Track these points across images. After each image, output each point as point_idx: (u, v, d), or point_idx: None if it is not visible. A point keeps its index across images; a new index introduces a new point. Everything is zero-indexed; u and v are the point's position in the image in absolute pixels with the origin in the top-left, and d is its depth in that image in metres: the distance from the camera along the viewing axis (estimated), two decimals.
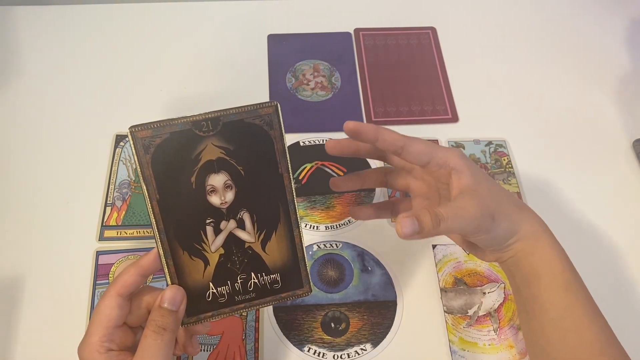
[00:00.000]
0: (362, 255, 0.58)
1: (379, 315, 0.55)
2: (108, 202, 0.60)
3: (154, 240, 0.38)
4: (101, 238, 0.57)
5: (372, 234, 0.59)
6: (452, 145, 0.66)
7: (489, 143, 0.67)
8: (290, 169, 0.39)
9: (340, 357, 0.52)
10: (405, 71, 0.73)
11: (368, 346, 0.53)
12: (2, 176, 0.61)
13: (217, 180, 0.38)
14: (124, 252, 0.56)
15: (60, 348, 0.51)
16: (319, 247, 0.58)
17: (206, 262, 0.39)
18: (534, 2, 0.81)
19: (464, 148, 0.66)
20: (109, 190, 0.60)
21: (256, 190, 0.39)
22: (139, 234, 0.58)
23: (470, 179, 0.41)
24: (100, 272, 0.55)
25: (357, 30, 0.77)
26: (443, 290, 0.56)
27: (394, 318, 0.54)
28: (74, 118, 0.66)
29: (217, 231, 0.39)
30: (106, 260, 0.56)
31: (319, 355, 0.52)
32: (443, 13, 0.79)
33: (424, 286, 0.56)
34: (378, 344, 0.53)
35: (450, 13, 0.79)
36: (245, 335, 0.53)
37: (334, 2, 0.80)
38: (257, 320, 0.53)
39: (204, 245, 0.39)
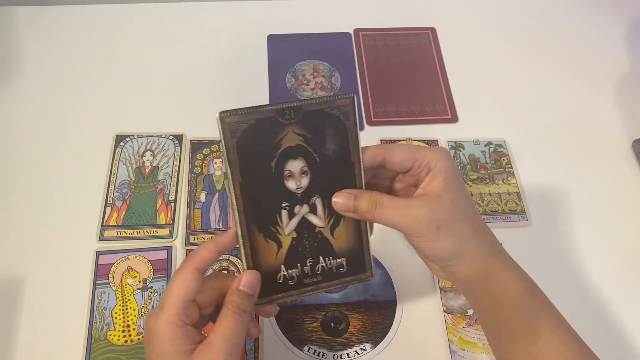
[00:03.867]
0: None
1: (378, 315, 0.55)
2: (108, 202, 0.60)
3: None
4: (101, 238, 0.57)
5: (373, 234, 0.59)
6: (451, 145, 0.66)
7: (489, 143, 0.67)
8: (361, 158, 0.41)
9: (340, 357, 0.52)
10: (405, 71, 0.73)
11: (368, 346, 0.53)
12: (2, 176, 0.61)
13: (295, 165, 0.40)
14: (124, 252, 0.56)
15: (60, 348, 0.51)
16: None
17: (279, 245, 0.41)
18: (534, 3, 0.81)
19: (463, 148, 0.66)
20: (109, 190, 0.60)
21: (329, 177, 0.41)
22: (139, 234, 0.58)
23: (439, 185, 0.40)
24: (100, 272, 0.55)
25: (357, 31, 0.77)
26: (443, 290, 0.56)
27: (393, 318, 0.54)
28: (74, 118, 0.66)
29: (291, 215, 0.41)
30: (106, 260, 0.56)
31: (318, 355, 0.52)
32: (443, 13, 0.79)
33: (423, 286, 0.56)
34: (378, 344, 0.53)
35: (450, 13, 0.79)
36: None
37: (334, 2, 0.80)
38: (257, 320, 0.53)
39: (278, 228, 0.41)
